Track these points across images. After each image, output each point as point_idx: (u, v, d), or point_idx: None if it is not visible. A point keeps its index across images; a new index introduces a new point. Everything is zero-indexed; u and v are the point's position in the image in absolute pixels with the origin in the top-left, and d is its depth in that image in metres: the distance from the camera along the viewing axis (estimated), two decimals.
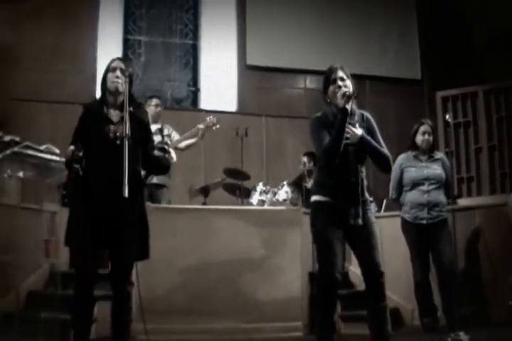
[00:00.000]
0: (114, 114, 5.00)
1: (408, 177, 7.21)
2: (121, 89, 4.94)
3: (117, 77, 4.98)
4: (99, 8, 12.40)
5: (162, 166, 5.37)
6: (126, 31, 13.11)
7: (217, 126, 8.23)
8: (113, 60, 5.18)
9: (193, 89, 13.04)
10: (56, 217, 8.06)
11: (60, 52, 11.92)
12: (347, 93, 4.85)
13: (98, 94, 10.98)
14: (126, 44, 13.02)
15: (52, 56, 11.90)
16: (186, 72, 13.21)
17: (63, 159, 6.12)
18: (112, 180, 4.62)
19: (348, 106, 4.83)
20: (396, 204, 7.46)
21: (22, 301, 6.98)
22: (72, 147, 4.77)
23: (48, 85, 11.66)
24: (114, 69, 5.05)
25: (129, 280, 4.83)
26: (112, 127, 4.90)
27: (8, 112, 10.43)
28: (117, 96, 5.00)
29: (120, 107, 4.91)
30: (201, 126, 8.16)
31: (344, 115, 4.82)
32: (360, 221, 4.89)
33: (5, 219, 7.15)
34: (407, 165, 7.26)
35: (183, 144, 8.44)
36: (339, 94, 4.89)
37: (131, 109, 4.93)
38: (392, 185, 7.38)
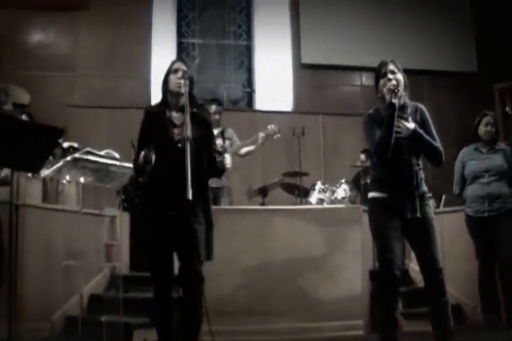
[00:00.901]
0: (176, 116, 4.99)
1: (469, 171, 7.12)
2: (183, 90, 4.91)
3: (179, 79, 4.96)
4: (153, 13, 12.53)
5: (218, 169, 5.32)
6: (180, 34, 13.18)
7: (278, 135, 8.16)
8: (174, 62, 5.18)
9: (248, 90, 13.05)
10: (116, 221, 8.13)
11: (115, 58, 12.08)
12: (391, 87, 4.81)
13: (154, 98, 11.30)
14: (180, 47, 13.10)
15: (108, 62, 12.06)
16: (241, 73, 13.24)
17: (123, 164, 6.21)
18: (178, 182, 4.56)
19: (395, 100, 4.79)
20: (459, 199, 7.35)
21: (84, 305, 7.06)
22: (143, 152, 4.76)
23: (104, 91, 11.82)
24: (175, 71, 5.03)
25: (200, 275, 4.79)
26: (175, 130, 4.91)
27: (67, 119, 10.53)
28: (179, 98, 4.98)
29: (183, 109, 4.85)
30: (262, 134, 8.10)
31: (391, 109, 4.78)
32: (417, 214, 4.84)
33: (67, 225, 7.25)
34: (468, 159, 7.17)
35: (243, 151, 8.39)
36: (385, 89, 4.85)
37: (193, 110, 4.91)
38: (454, 179, 7.30)
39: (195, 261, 4.79)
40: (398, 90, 4.84)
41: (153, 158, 4.69)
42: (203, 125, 5.01)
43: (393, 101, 4.78)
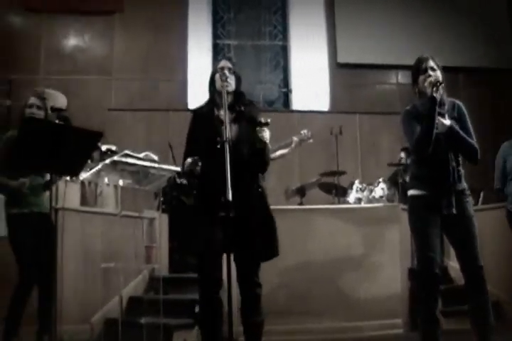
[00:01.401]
0: (224, 115, 4.85)
1: (509, 166, 7.02)
2: (230, 89, 4.84)
3: (222, 75, 4.86)
4: (188, 16, 12.61)
5: (262, 160, 5.19)
6: (215, 36, 13.23)
7: (311, 140, 8.13)
8: (220, 60, 5.08)
9: (285, 90, 13.02)
10: (155, 223, 8.16)
11: (151, 61, 12.18)
12: (432, 80, 4.77)
13: (190, 100, 11.34)
14: (216, 49, 13.14)
15: (144, 65, 12.17)
16: (277, 74, 13.24)
17: (162, 166, 6.22)
18: (224, 182, 4.36)
19: (436, 95, 4.75)
20: (500, 195, 7.25)
21: (124, 307, 7.09)
22: (189, 159, 4.67)
23: (141, 94, 11.92)
24: (222, 69, 4.90)
25: (257, 281, 4.73)
26: (224, 128, 4.85)
27: (104, 122, 10.63)
28: (227, 97, 4.80)
29: (231, 107, 4.72)
30: (296, 138, 8.06)
31: (433, 104, 4.74)
32: (453, 210, 4.79)
33: (106, 228, 7.29)
34: (508, 154, 7.07)
35: (276, 154, 8.36)
36: (427, 83, 4.81)
37: (241, 108, 4.86)
38: (495, 175, 7.19)
39: (252, 266, 4.74)
40: (440, 84, 4.80)
41: (199, 170, 4.63)
42: (251, 123, 4.95)
43: (434, 95, 4.75)
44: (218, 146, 4.57)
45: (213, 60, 12.60)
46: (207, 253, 4.75)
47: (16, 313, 5.26)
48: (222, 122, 4.76)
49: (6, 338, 5.22)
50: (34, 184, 5.47)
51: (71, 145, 4.51)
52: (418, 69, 4.95)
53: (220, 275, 4.74)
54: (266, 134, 4.83)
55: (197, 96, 11.00)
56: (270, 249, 4.77)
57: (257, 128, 4.74)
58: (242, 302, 4.78)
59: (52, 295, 5.21)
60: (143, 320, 6.11)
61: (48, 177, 5.52)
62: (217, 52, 13.10)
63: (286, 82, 13.12)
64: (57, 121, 5.15)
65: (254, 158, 4.87)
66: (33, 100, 5.49)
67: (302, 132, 8.02)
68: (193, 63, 12.27)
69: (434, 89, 4.76)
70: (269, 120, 4.76)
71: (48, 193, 5.51)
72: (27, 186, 5.32)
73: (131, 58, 12.23)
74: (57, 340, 4.55)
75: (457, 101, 5.07)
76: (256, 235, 4.68)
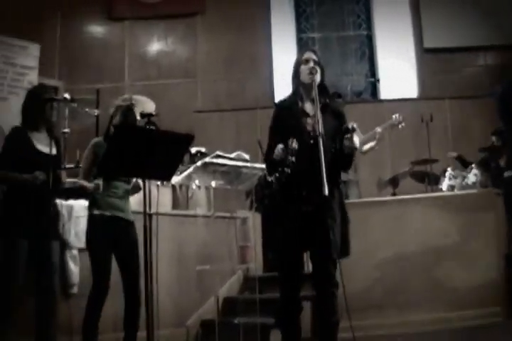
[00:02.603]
0: (309, 107, 4.84)
1: None
2: (317, 81, 4.77)
3: (311, 69, 4.82)
4: (271, 12, 12.58)
5: (347, 157, 5.06)
6: (299, 30, 13.18)
7: (403, 124, 8.02)
8: (304, 52, 5.03)
9: (372, 80, 12.88)
10: (248, 223, 8.19)
11: (235, 60, 12.23)
12: None
13: (277, 97, 11.33)
14: (300, 43, 13.07)
15: (229, 65, 12.24)
16: (363, 64, 13.10)
17: (254, 164, 6.23)
18: (312, 177, 4.42)
19: None
20: None
21: (219, 308, 7.14)
22: (281, 145, 4.65)
23: (227, 94, 11.99)
24: (306, 61, 4.88)
25: (334, 280, 4.66)
26: (309, 120, 4.76)
27: (193, 125, 10.73)
28: (312, 89, 4.77)
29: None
30: (379, 129, 7.97)
31: None
32: None
33: (199, 230, 7.34)
34: None
35: (366, 147, 8.26)
36: None
37: (326, 101, 4.81)
38: None
39: (328, 265, 4.66)
40: None
41: (296, 147, 4.57)
42: (335, 115, 4.88)
43: None
44: (312, 141, 4.55)
45: (308, 48, 12.50)
46: (286, 251, 4.74)
47: (91, 321, 5.30)
48: (306, 115, 4.76)
49: None
50: (120, 188, 5.54)
51: (163, 150, 4.54)
52: None
53: (301, 273, 4.74)
54: (355, 141, 4.78)
55: (283, 92, 10.96)
56: (345, 248, 4.73)
57: (346, 136, 4.68)
58: (317, 301, 4.75)
59: (138, 304, 5.30)
60: (239, 321, 6.14)
61: (133, 182, 5.61)
62: (302, 46, 13.01)
63: (372, 72, 12.95)
64: (147, 127, 5.20)
65: (340, 158, 4.83)
66: (126, 112, 5.55)
67: (394, 116, 7.94)
68: (278, 59, 12.25)
69: None
70: (355, 124, 4.71)
71: (131, 199, 5.63)
72: (101, 189, 5.37)
73: (215, 59, 12.33)
74: None
75: None
76: (334, 232, 4.64)
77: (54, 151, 5.36)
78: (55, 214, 5.54)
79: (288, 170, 4.56)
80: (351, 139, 4.68)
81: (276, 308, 4.98)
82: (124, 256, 5.44)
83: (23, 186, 5.11)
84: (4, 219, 5.17)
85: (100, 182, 5.35)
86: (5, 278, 5.06)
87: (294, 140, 4.58)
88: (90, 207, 5.47)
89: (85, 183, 5.40)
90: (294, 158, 4.54)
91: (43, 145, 5.24)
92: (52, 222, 5.32)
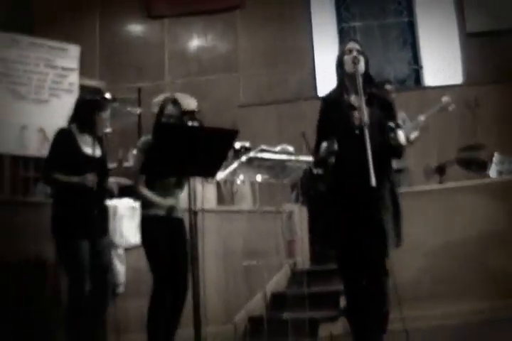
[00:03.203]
0: (355, 99, 4.81)
1: None
2: (359, 71, 4.76)
3: (353, 58, 4.80)
4: (311, 2, 12.53)
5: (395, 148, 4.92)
6: (340, 20, 13.05)
7: (453, 106, 7.93)
8: (347, 42, 5.04)
9: (415, 67, 12.74)
10: (294, 216, 8.15)
11: (277, 53, 12.19)
12: None
13: (320, 88, 11.28)
14: (341, 33, 12.95)
15: (270, 58, 12.20)
16: (406, 51, 12.94)
17: (299, 157, 6.21)
18: (361, 167, 4.41)
19: None
20: None
21: (267, 303, 7.13)
22: (325, 144, 4.69)
23: (270, 87, 11.96)
24: (349, 51, 4.88)
25: (384, 270, 4.67)
26: (355, 113, 4.74)
27: (236, 119, 10.72)
28: (356, 79, 4.76)
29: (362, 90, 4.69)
30: (422, 118, 7.89)
31: None
32: None
33: (244, 225, 7.35)
34: None
35: (411, 137, 8.15)
36: None
37: (371, 90, 4.81)
38: None
39: (379, 254, 4.65)
40: None
41: (336, 148, 4.60)
42: (382, 105, 4.86)
43: None
44: (357, 132, 4.53)
45: (340, 44, 12.45)
46: (342, 242, 4.72)
47: (156, 320, 5.27)
48: (353, 107, 4.73)
49: None
50: (172, 187, 5.53)
51: (207, 147, 4.53)
52: None
53: (360, 263, 4.70)
54: (401, 138, 4.73)
55: (326, 83, 10.93)
56: (397, 237, 4.69)
57: (391, 136, 4.65)
58: (368, 292, 4.69)
59: (183, 302, 5.28)
60: (287, 316, 6.12)
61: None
62: (343, 35, 12.90)
63: (415, 59, 12.78)
64: (190, 124, 5.20)
65: (389, 150, 4.79)
66: (170, 110, 5.51)
67: (443, 99, 7.87)
68: (320, 50, 12.20)
69: None
70: (400, 121, 4.66)
71: (181, 197, 5.61)
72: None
73: (256, 52, 12.30)
74: None
75: None
76: (386, 221, 4.61)
77: (99, 153, 5.41)
78: (105, 211, 5.58)
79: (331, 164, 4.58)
80: (396, 139, 4.68)
81: (345, 295, 4.99)
82: (176, 254, 5.40)
83: (72, 188, 5.17)
84: (62, 221, 5.23)
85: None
86: (78, 279, 5.12)
87: (335, 141, 4.57)
88: (144, 208, 5.47)
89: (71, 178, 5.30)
90: (333, 159, 4.63)
91: (88, 146, 5.28)
92: (102, 220, 5.39)
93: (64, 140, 5.35)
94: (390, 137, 4.65)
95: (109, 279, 5.45)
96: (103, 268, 5.27)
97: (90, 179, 5.15)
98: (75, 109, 5.48)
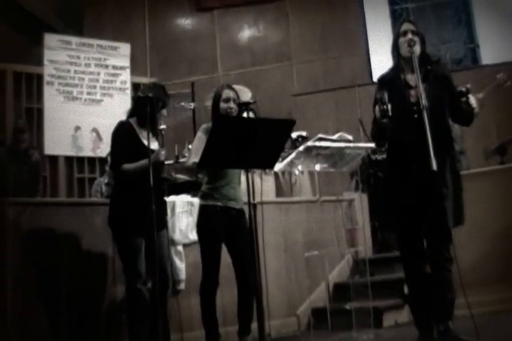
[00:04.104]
0: (412, 78, 4.76)
1: None
2: (417, 52, 4.72)
3: (409, 41, 4.74)
4: None
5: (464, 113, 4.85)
6: (392, 2, 12.88)
7: (509, 82, 7.81)
8: (401, 23, 4.97)
9: (471, 46, 12.52)
10: (354, 205, 8.08)
11: (329, 39, 12.11)
12: None
13: (375, 72, 11.17)
14: (394, 15, 12.79)
15: (323, 45, 12.13)
16: (461, 30, 12.71)
17: (357, 144, 6.15)
18: (420, 148, 4.39)
19: None
20: None
21: (330, 294, 7.07)
22: (385, 120, 4.63)
23: (324, 74, 11.89)
24: (404, 33, 4.82)
25: (448, 255, 4.59)
26: (412, 92, 4.72)
27: (291, 109, 10.69)
28: (412, 60, 4.70)
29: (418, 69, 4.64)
30: (480, 95, 7.76)
31: None
32: None
33: (305, 216, 7.31)
34: None
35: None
36: None
37: (428, 67, 4.74)
38: None
39: (443, 237, 4.60)
40: None
41: (390, 108, 4.56)
42: (440, 80, 4.78)
43: None
44: (415, 116, 4.48)
45: (393, 27, 12.30)
46: (403, 228, 4.68)
47: (209, 314, 5.24)
48: (409, 86, 4.70)
49: None
50: (231, 178, 5.49)
51: (264, 138, 4.50)
52: None
53: (422, 249, 4.65)
54: (473, 101, 4.67)
55: (381, 67, 10.82)
56: (459, 216, 4.63)
57: (462, 100, 4.63)
58: (432, 277, 4.67)
59: (252, 295, 5.21)
60: (351, 306, 6.07)
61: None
62: (396, 18, 12.73)
63: (471, 38, 12.57)
64: (245, 115, 5.18)
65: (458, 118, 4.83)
66: (228, 93, 5.46)
67: (498, 76, 7.76)
68: (373, 33, 12.08)
69: None
70: (468, 85, 4.60)
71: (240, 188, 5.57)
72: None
73: (308, 39, 12.22)
74: (265, 336, 4.53)
75: None
76: (448, 200, 4.55)
77: (156, 146, 5.45)
78: (163, 205, 5.59)
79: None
80: (468, 102, 4.65)
81: (407, 283, 5.05)
82: (237, 246, 5.36)
83: (134, 182, 5.24)
84: (121, 217, 5.29)
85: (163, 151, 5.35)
86: (135, 276, 5.16)
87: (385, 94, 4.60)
88: (202, 198, 5.43)
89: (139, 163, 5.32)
90: (386, 120, 4.58)
91: (146, 141, 5.28)
92: (161, 214, 5.36)
93: (127, 132, 5.39)
94: (461, 101, 4.65)
95: (168, 275, 5.44)
96: (161, 264, 5.26)
97: (162, 153, 5.26)
98: (136, 104, 5.48)
